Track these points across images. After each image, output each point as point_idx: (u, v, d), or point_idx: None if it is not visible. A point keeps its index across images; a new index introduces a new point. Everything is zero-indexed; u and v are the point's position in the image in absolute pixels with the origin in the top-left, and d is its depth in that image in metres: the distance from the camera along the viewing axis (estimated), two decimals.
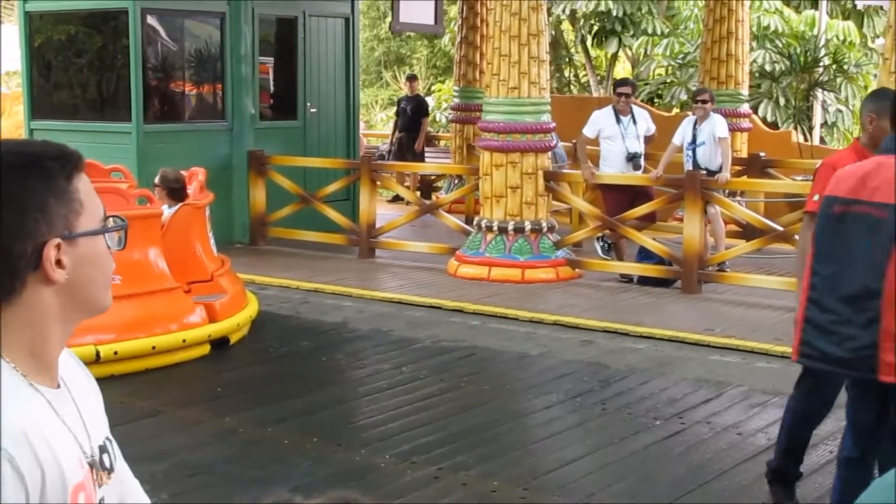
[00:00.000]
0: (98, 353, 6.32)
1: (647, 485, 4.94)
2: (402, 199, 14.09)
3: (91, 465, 1.47)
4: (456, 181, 13.87)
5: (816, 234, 3.79)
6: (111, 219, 1.49)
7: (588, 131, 9.83)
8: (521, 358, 7.17)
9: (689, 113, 10.73)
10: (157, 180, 7.73)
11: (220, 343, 7.15)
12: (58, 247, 1.40)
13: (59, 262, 1.41)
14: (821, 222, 3.77)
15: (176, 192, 7.69)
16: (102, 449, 1.52)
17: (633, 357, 7.09)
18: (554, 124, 10.01)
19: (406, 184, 14.24)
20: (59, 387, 1.47)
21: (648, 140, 10.01)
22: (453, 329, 7.86)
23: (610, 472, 5.07)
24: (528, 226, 9.62)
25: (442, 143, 16.33)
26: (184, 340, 6.88)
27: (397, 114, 15.36)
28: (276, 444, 5.38)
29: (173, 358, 6.81)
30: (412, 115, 14.85)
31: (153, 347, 6.69)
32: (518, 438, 5.62)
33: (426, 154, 15.26)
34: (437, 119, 20.11)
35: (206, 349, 7.05)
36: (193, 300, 7.18)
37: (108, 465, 1.52)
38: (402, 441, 5.38)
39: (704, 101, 9.77)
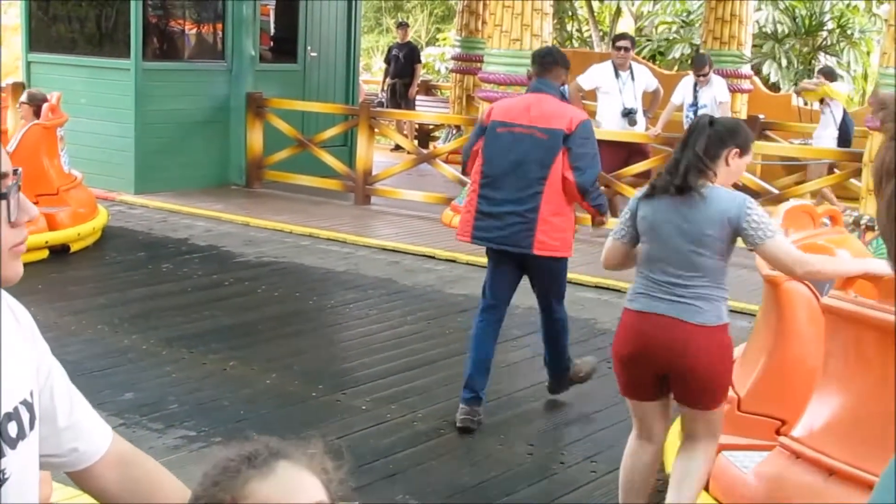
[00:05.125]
0: None
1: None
2: (403, 148, 14.07)
3: None
4: (454, 131, 13.82)
5: (486, 148, 4.96)
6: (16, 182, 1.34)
7: (583, 82, 9.77)
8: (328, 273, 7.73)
9: (689, 72, 10.71)
10: (25, 98, 8.41)
11: (60, 250, 7.96)
12: None
13: None
14: (489, 140, 4.96)
15: (39, 110, 8.33)
16: (10, 416, 1.40)
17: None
18: None
19: (403, 132, 14.19)
20: None
21: (654, 97, 9.98)
22: (281, 248, 8.68)
23: None
24: None
25: (443, 93, 16.24)
26: None
27: (387, 61, 15.33)
28: (62, 329, 6.10)
29: None
30: (405, 61, 14.82)
31: None
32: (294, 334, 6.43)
33: (421, 102, 15.21)
34: (438, 69, 20.00)
35: (45, 254, 7.80)
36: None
37: (13, 434, 1.40)
38: (167, 329, 6.25)
39: (705, 74, 9.94)
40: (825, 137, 10.48)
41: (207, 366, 5.66)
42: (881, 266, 3.43)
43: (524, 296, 7.30)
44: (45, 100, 8.39)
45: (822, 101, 10.67)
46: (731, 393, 3.97)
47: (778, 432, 3.64)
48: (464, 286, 7.67)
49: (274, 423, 4.78)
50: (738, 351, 4.02)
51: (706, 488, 3.83)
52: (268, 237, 9.05)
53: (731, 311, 6.44)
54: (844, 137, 10.36)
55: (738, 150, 3.61)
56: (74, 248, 8.15)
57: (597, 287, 7.76)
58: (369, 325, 6.68)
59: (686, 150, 3.58)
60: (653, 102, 10.05)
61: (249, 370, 5.61)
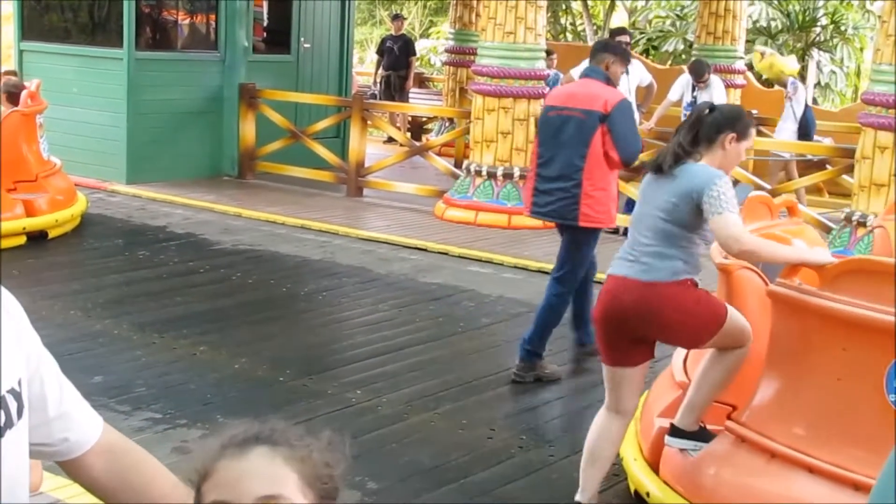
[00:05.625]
0: None
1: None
2: (395, 140, 14.10)
3: None
4: (447, 124, 13.86)
5: (540, 131, 5.59)
6: None
7: (577, 74, 9.80)
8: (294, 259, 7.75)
9: (683, 66, 10.77)
10: (1, 87, 8.42)
11: (38, 236, 8.04)
12: None
13: None
14: (542, 123, 5.59)
15: (15, 97, 8.35)
16: None
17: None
18: (548, 71, 10.01)
19: (396, 124, 14.23)
20: None
21: (648, 92, 10.02)
22: (257, 236, 8.75)
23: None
24: (517, 172, 9.62)
25: (436, 85, 16.25)
26: None
27: (380, 52, 15.34)
28: (34, 314, 5.97)
29: None
30: (399, 53, 14.83)
31: None
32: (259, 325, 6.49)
33: (414, 94, 15.22)
34: (432, 62, 20.03)
35: (22, 240, 7.90)
36: (14, 196, 7.96)
37: (1, 423, 1.42)
38: (139, 315, 6.33)
39: (705, 81, 10.08)
40: (785, 131, 10.60)
41: (177, 350, 5.74)
42: (821, 255, 3.49)
43: (495, 285, 7.41)
44: (20, 87, 8.42)
45: (786, 95, 10.79)
46: (683, 377, 4.05)
47: (729, 417, 3.70)
48: (437, 275, 7.69)
49: (239, 407, 4.83)
50: None
51: (657, 472, 3.90)
52: (244, 225, 9.08)
53: None
54: (803, 132, 10.45)
55: (734, 134, 3.72)
56: (52, 234, 8.22)
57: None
58: (341, 312, 6.76)
59: (674, 137, 3.78)
60: (646, 97, 10.08)
61: (218, 355, 5.69)
